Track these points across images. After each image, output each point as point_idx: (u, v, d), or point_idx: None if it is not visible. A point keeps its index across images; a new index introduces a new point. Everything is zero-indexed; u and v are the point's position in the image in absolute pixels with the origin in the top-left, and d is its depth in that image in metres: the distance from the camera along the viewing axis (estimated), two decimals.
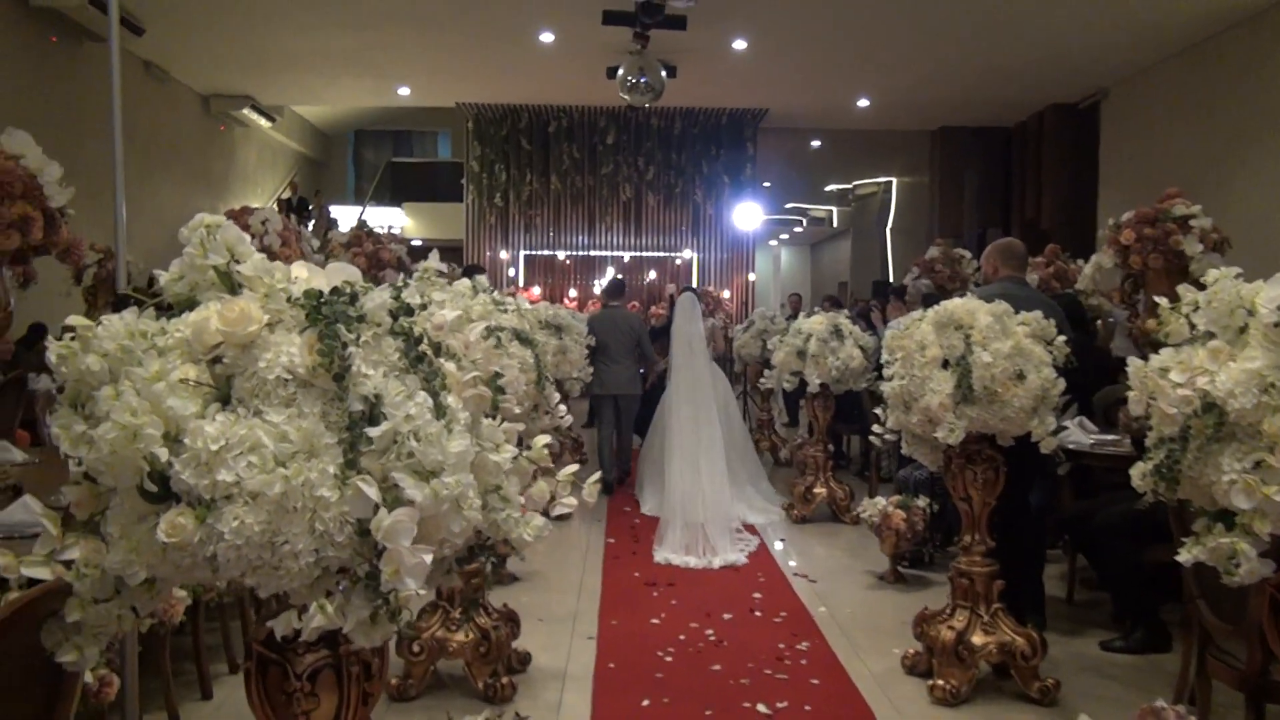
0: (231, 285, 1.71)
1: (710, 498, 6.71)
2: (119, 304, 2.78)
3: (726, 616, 5.05)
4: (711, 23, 11.32)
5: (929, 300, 6.84)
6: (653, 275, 17.49)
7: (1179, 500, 2.37)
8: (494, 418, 1.91)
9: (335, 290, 1.68)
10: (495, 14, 11.53)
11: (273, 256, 5.93)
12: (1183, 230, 5.41)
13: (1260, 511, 1.99)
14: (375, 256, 8.01)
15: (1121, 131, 13.99)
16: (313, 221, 17.37)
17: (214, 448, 1.50)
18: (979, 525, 4.14)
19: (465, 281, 4.16)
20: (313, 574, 1.54)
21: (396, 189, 20.74)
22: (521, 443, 1.97)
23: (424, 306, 1.90)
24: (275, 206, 17.55)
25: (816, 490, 7.31)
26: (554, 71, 14.00)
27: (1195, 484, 2.16)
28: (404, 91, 15.42)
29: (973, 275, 9.58)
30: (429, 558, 1.54)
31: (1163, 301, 2.42)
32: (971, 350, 3.90)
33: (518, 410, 3.90)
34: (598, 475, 2.18)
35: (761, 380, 7.64)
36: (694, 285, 16.00)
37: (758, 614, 5.12)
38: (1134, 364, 2.33)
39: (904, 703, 4.03)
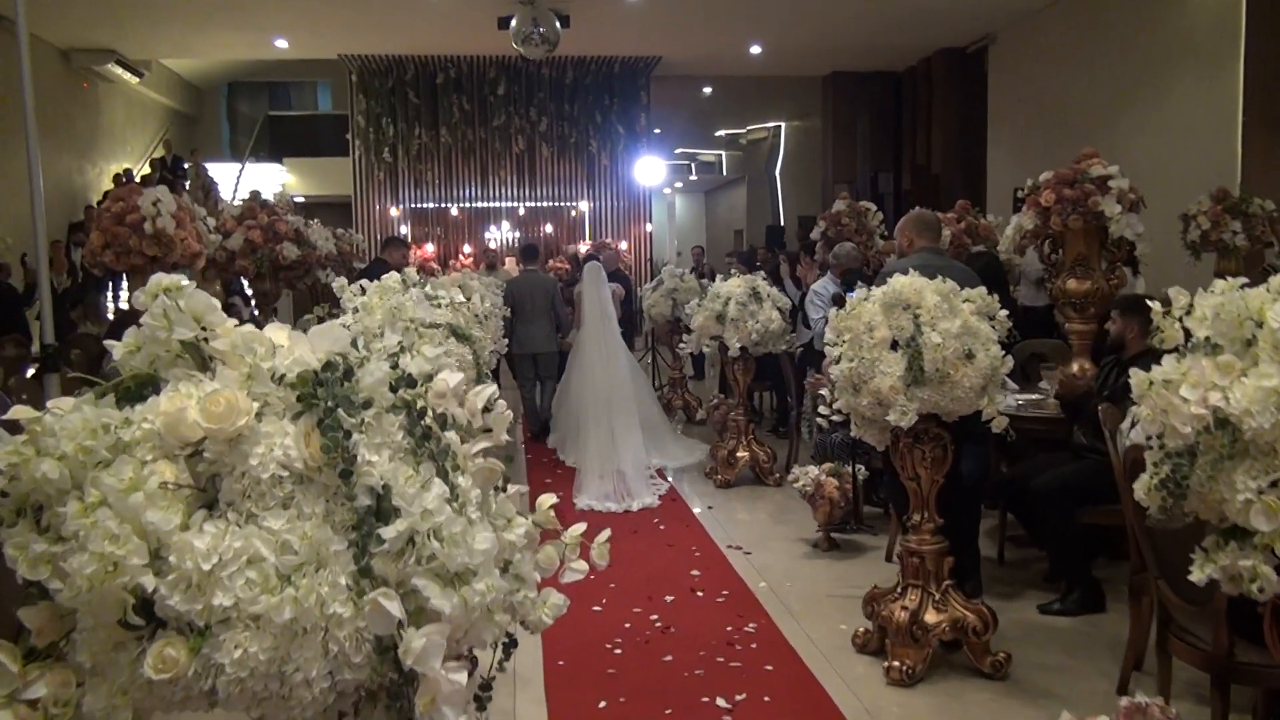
0: (201, 360, 1.49)
1: (623, 444, 7.29)
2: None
3: (669, 599, 4.96)
4: None
5: (851, 275, 6.81)
6: (549, 229, 17.16)
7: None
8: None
9: (329, 365, 1.47)
10: None
11: (168, 239, 5.55)
12: (1101, 191, 5.44)
13: None
14: (271, 229, 7.60)
15: (1009, 76, 14.19)
16: (189, 182, 16.51)
17: (206, 566, 1.30)
18: (928, 504, 4.12)
19: (394, 276, 3.93)
20: (328, 700, 1.35)
21: (276, 144, 19.89)
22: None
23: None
24: (149, 167, 16.64)
25: (739, 454, 7.27)
26: (441, 22, 13.49)
27: (1204, 499, 2.11)
28: (281, 44, 14.69)
29: (878, 228, 9.60)
30: (463, 676, 1.37)
31: (1156, 306, 2.36)
32: (921, 331, 3.84)
33: (439, 353, 3.70)
34: (607, 534, 2.01)
35: (680, 344, 7.54)
36: (592, 242, 15.80)
37: (699, 594, 5.05)
38: (1139, 377, 2.26)
39: (859, 685, 4.01)
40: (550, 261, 16.44)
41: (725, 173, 20.80)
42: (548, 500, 1.81)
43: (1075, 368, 5.64)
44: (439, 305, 3.82)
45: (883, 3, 12.77)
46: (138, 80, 15.93)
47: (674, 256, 17.72)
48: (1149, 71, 11.11)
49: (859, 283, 6.85)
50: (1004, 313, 4.03)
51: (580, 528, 1.89)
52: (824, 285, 6.92)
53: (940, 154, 15.49)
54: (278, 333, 1.56)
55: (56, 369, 2.70)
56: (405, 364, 1.57)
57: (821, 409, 4.21)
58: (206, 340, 1.47)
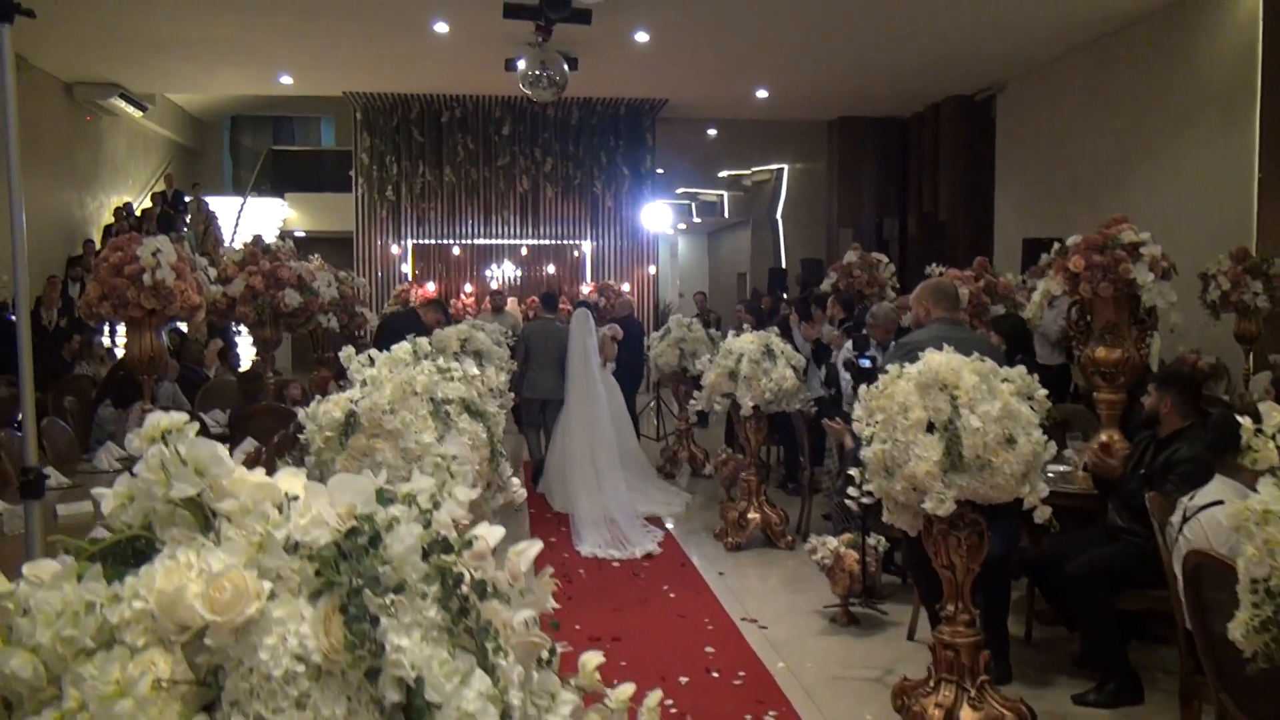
0: (204, 518, 1.28)
1: (608, 488, 7.68)
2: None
3: (683, 680, 4.72)
4: (614, 14, 10.91)
5: (861, 341, 6.60)
6: (551, 269, 17.00)
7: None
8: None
9: (353, 532, 1.26)
10: (387, 3, 10.89)
11: (167, 291, 5.35)
12: (1132, 258, 5.26)
13: None
14: (273, 275, 7.41)
15: (1017, 125, 14.10)
16: (189, 216, 16.35)
17: None
18: (962, 593, 3.90)
19: (404, 346, 3.72)
20: None
21: (278, 178, 19.75)
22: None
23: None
24: (150, 201, 16.48)
25: (750, 516, 7.04)
26: (448, 62, 13.41)
27: None
28: (286, 80, 14.59)
29: (890, 279, 9.44)
30: None
31: (1246, 423, 2.15)
32: (959, 413, 3.64)
33: (474, 495, 3.47)
34: (657, 696, 1.76)
35: (691, 402, 7.33)
36: (595, 284, 15.66)
37: (715, 674, 4.81)
38: (1234, 506, 2.05)
39: None
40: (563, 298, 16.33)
41: (727, 213, 20.70)
42: (593, 661, 1.59)
43: (1104, 438, 5.43)
44: (451, 378, 3.61)
45: (891, 50, 12.69)
46: (141, 114, 15.80)
47: (676, 299, 17.56)
48: (1163, 125, 10.99)
49: (871, 348, 6.68)
50: (1043, 391, 3.84)
51: (628, 689, 1.66)
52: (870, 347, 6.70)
53: (947, 201, 15.37)
54: (292, 481, 1.35)
55: (39, 495, 2.48)
56: (439, 518, 1.35)
57: (850, 490, 3.99)
58: (215, 505, 1.26)
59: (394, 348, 3.68)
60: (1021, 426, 3.66)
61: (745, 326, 7.95)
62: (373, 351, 3.70)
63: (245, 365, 10.51)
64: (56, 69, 13.73)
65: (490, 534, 1.40)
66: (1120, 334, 5.42)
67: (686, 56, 13.29)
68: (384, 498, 1.36)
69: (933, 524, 3.84)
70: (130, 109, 15.25)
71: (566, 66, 11.48)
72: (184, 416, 1.33)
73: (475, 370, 3.70)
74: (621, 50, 12.63)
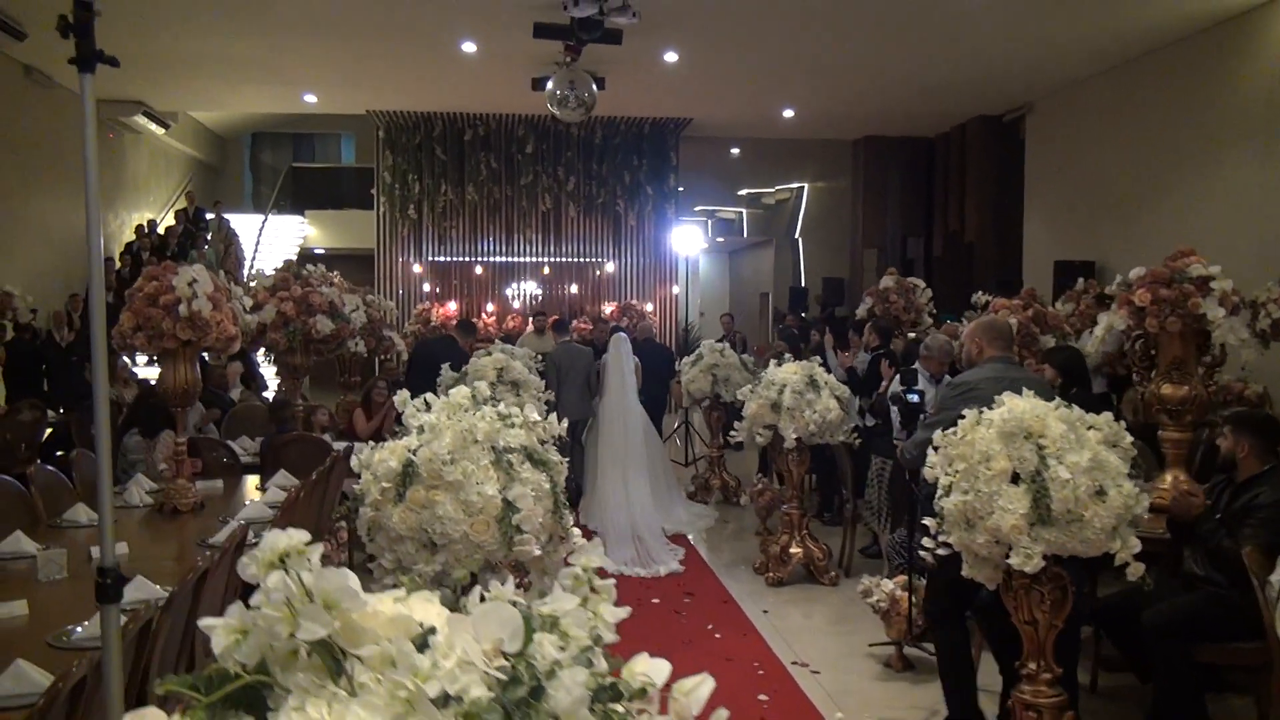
0: (335, 662, 1.09)
1: (637, 506, 7.89)
2: None
3: None
4: (644, 34, 10.76)
5: (909, 374, 6.39)
6: (574, 289, 16.84)
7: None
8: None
9: (512, 680, 1.07)
10: (415, 24, 10.81)
11: (203, 322, 5.18)
12: (1202, 292, 5.07)
13: None
14: (305, 302, 7.25)
15: (1047, 146, 13.91)
16: (211, 234, 16.25)
17: None
18: (1045, 651, 3.70)
19: (463, 389, 3.54)
20: None
21: (298, 196, 19.64)
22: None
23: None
24: (172, 218, 16.39)
25: (793, 550, 6.84)
26: (474, 81, 13.31)
27: None
28: (310, 99, 14.50)
29: (927, 305, 9.24)
30: None
31: None
32: (1046, 464, 3.45)
33: (537, 552, 3.30)
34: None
35: (731, 433, 7.15)
36: (618, 304, 15.51)
37: None
38: None
39: None
40: (574, 322, 16.13)
41: (746, 231, 20.53)
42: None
43: (1169, 480, 5.22)
44: (512, 425, 3.43)
45: (919, 70, 12.55)
46: (163, 131, 15.72)
47: (698, 318, 17.37)
48: (1197, 146, 10.79)
49: (920, 380, 6.47)
50: (1128, 439, 3.65)
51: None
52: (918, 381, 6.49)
53: (974, 222, 15.17)
54: (427, 608, 1.16)
55: (117, 599, 2.28)
56: (599, 663, 1.17)
57: (926, 541, 3.80)
58: (352, 652, 1.07)
59: (452, 392, 3.50)
60: (1111, 477, 3.47)
61: (787, 356, 7.72)
62: (429, 396, 3.52)
63: (268, 390, 10.35)
64: (79, 86, 13.62)
65: (656, 671, 1.21)
66: (1187, 370, 5.22)
67: (714, 76, 13.16)
68: (531, 628, 1.17)
69: (1013, 577, 3.65)
70: (153, 126, 15.17)
71: (595, 86, 11.32)
72: (304, 536, 1.15)
73: (536, 415, 3.51)
74: (649, 70, 12.50)
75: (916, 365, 6.54)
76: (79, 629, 3.42)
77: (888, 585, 5.25)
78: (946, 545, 3.71)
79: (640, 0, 9.41)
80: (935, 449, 3.78)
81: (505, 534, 3.22)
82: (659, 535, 7.76)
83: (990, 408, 4.06)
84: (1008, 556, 3.50)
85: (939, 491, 3.70)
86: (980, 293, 11.91)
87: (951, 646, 4.39)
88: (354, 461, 3.46)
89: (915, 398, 6.11)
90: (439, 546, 3.24)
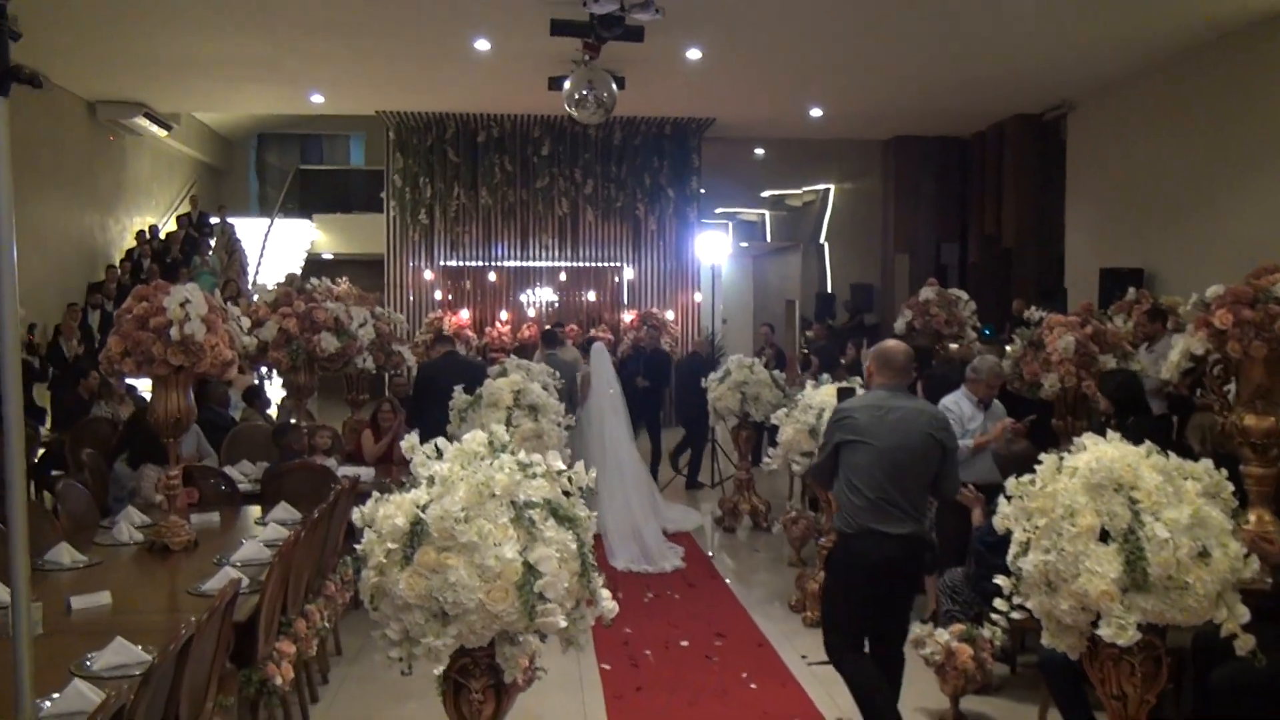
0: None
1: (636, 505, 8.34)
2: None
3: None
4: (667, 31, 10.44)
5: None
6: (591, 295, 16.52)
7: None
8: None
9: None
10: (427, 21, 10.53)
11: (197, 346, 4.89)
12: None
13: None
14: (308, 318, 6.96)
15: (1090, 147, 13.53)
16: (214, 239, 16.02)
17: None
18: None
19: (479, 435, 3.22)
20: None
21: (306, 199, 19.44)
22: None
23: None
24: (174, 223, 16.18)
25: None
26: (488, 80, 13.02)
27: None
28: (317, 99, 14.25)
29: (970, 318, 8.90)
30: None
31: None
32: (1140, 521, 3.11)
33: (562, 624, 2.97)
34: None
35: (765, 460, 6.80)
36: (638, 312, 15.26)
37: None
38: None
39: None
40: (593, 330, 15.85)
41: (769, 235, 20.20)
42: None
43: (1254, 519, 4.86)
44: (534, 476, 3.11)
45: (953, 66, 12.20)
46: (165, 133, 15.49)
47: (719, 326, 17.01)
48: (1253, 146, 10.38)
49: (970, 405, 6.12)
50: (1230, 488, 3.31)
51: None
52: (957, 402, 6.13)
53: (1012, 226, 14.79)
54: None
55: None
56: None
57: (999, 604, 3.47)
58: None
59: (465, 438, 3.18)
60: (1215, 536, 3.13)
61: (824, 377, 7.38)
62: (440, 442, 3.20)
63: (273, 407, 10.07)
64: (79, 88, 13.44)
65: None
66: (1274, 399, 4.85)
67: (739, 74, 12.84)
68: None
69: (1099, 646, 3.30)
70: (155, 128, 14.94)
71: (615, 86, 10.99)
72: None
73: (560, 464, 3.19)
74: (671, 68, 12.19)
75: (857, 385, 6.01)
76: (46, 703, 3.12)
77: (942, 636, 4.90)
78: (1024, 610, 3.38)
79: None
80: (1008, 498, 3.45)
81: (526, 602, 2.91)
82: (656, 532, 8.29)
83: (863, 440, 4.35)
84: (1095, 624, 3.17)
85: (1014, 548, 3.37)
86: (1023, 303, 11.63)
87: (864, 681, 4.33)
88: (356, 516, 3.15)
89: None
90: (451, 617, 2.92)
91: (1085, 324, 6.65)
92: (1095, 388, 6.29)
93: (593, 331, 14.97)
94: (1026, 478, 3.42)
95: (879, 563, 4.29)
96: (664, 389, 12.29)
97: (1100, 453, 3.26)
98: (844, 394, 5.48)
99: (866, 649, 4.44)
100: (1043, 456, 3.44)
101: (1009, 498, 3.45)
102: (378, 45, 11.43)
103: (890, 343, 4.73)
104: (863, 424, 4.37)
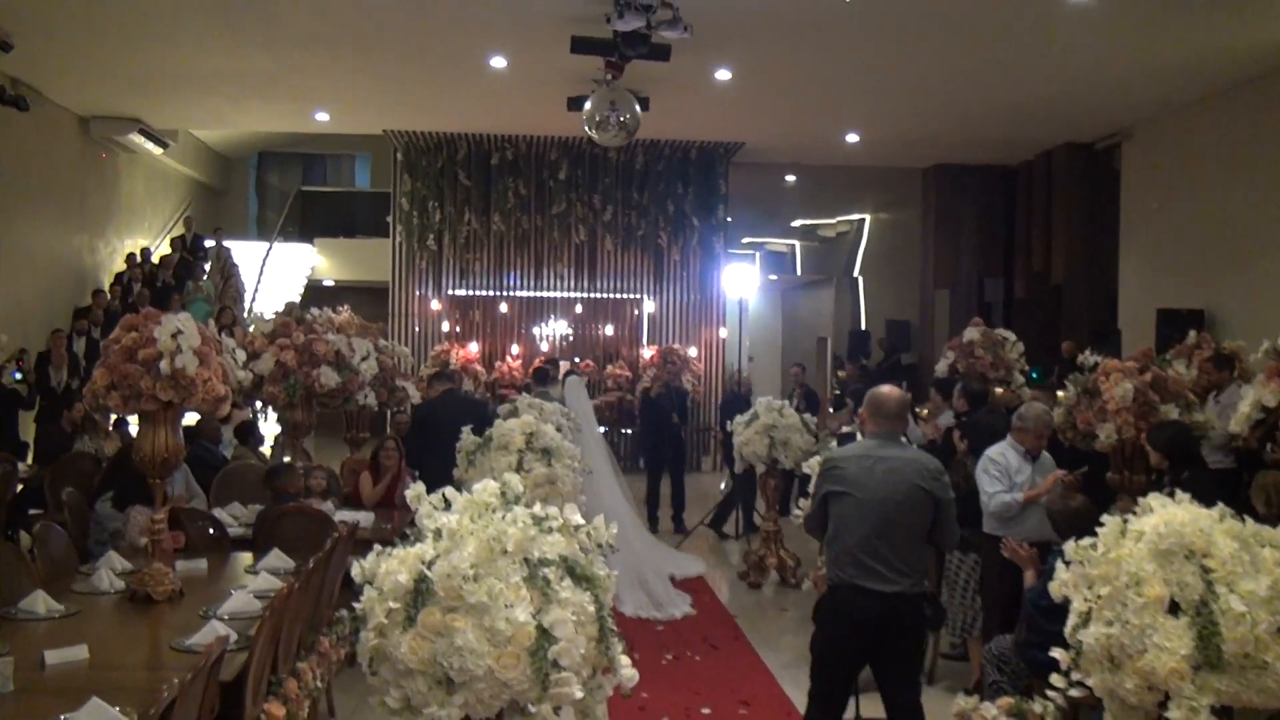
0: None
1: (643, 555, 8.46)
2: None
3: None
4: (695, 50, 10.45)
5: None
6: (609, 329, 16.50)
7: None
8: None
9: None
10: (439, 37, 10.63)
11: (188, 381, 4.86)
12: None
13: None
14: (307, 350, 6.94)
15: (1146, 177, 13.49)
16: (209, 264, 16.10)
17: None
18: None
19: (491, 485, 3.17)
20: None
21: (307, 222, 19.55)
22: None
23: None
24: (168, 246, 16.28)
25: None
26: (503, 100, 13.12)
27: None
28: (322, 117, 14.39)
29: (1018, 361, 8.83)
30: None
31: None
32: (1214, 592, 3.02)
33: (578, 694, 2.90)
34: None
35: (795, 512, 6.72)
36: (657, 348, 15.17)
37: None
38: None
39: None
40: (609, 368, 15.83)
41: (800, 268, 20.20)
42: None
43: None
44: (549, 530, 3.05)
45: (999, 90, 12.22)
46: (161, 150, 15.62)
47: (746, 364, 16.95)
48: None
49: (1017, 456, 6.01)
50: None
51: None
52: (1003, 453, 6.02)
53: (1062, 262, 14.75)
54: None
55: None
56: None
57: (1055, 679, 3.37)
58: None
59: (476, 488, 3.13)
60: None
61: (856, 421, 7.30)
62: (449, 492, 3.15)
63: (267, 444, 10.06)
64: (71, 102, 13.58)
65: None
66: None
67: (770, 96, 12.89)
68: None
69: None
70: (150, 145, 15.07)
71: (639, 107, 11.02)
72: None
73: (578, 517, 3.13)
74: (698, 89, 12.23)
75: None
76: None
77: (990, 710, 4.77)
78: (1084, 687, 3.29)
79: (692, 12, 9.10)
80: (1067, 562, 3.37)
81: (539, 670, 2.84)
82: (662, 577, 8.40)
83: (850, 492, 4.43)
84: (1163, 706, 3.07)
85: (1072, 618, 3.28)
86: (1073, 345, 11.54)
87: None
88: (355, 571, 3.09)
89: None
90: (457, 684, 2.86)
91: (1144, 370, 6.56)
92: (1147, 441, 6.18)
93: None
94: (1087, 541, 3.34)
95: (863, 620, 4.40)
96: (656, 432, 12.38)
97: (1169, 516, 3.18)
98: (844, 440, 5.46)
99: (853, 710, 4.67)
100: (1105, 518, 3.37)
101: (1067, 562, 3.38)
102: (387, 61, 11.53)
103: (884, 388, 4.80)
104: (850, 474, 4.47)
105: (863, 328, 17.61)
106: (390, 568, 2.97)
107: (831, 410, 13.47)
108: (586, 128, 11.16)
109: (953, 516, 4.56)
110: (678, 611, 7.93)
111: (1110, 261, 14.06)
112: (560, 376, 11.31)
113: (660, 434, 11.96)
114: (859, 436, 6.77)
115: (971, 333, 8.89)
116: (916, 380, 13.81)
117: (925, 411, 9.05)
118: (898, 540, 4.38)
